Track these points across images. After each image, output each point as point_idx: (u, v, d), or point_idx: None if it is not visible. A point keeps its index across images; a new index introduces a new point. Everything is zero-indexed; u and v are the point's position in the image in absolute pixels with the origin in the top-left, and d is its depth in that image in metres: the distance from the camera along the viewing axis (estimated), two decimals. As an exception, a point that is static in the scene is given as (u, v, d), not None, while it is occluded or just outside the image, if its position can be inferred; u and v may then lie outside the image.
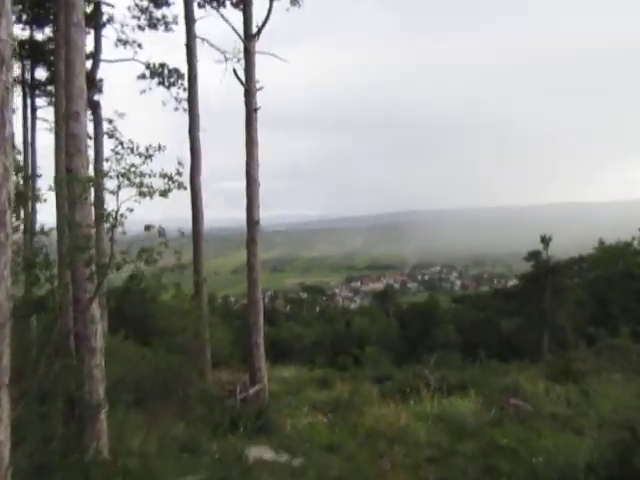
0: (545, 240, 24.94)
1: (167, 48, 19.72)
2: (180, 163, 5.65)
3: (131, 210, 5.35)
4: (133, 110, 19.18)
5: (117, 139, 17.28)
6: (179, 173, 5.57)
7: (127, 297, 28.70)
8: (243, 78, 12.70)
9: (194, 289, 13.39)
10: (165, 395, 8.37)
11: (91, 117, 16.03)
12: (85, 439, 5.72)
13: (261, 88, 12.63)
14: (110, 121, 17.90)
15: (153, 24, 17.10)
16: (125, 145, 5.60)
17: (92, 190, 6.15)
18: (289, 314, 59.80)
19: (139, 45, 17.32)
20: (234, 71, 12.96)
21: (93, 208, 6.13)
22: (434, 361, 15.06)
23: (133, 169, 5.35)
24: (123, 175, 5.35)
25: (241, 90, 12.64)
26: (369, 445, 7.84)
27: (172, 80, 17.43)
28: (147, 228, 5.45)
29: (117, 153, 5.54)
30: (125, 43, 17.27)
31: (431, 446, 7.52)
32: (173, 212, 13.64)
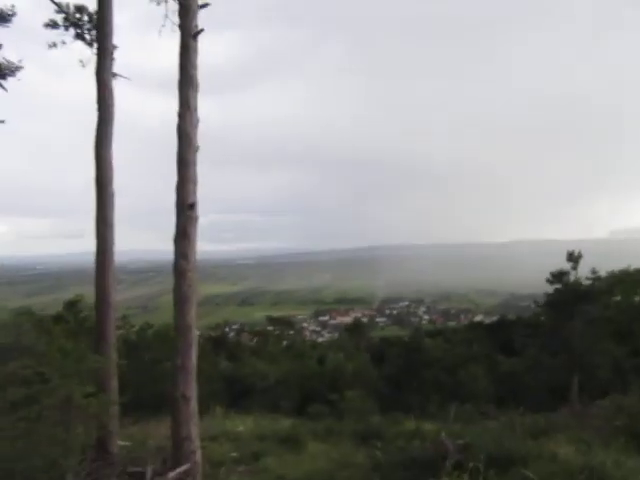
0: (573, 258, 20.73)
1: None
2: None
3: None
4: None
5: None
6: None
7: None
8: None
9: (95, 312, 8.71)
10: None
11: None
12: None
13: (206, 5, 8.39)
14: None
15: None
16: None
17: None
18: (254, 348, 54.56)
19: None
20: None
21: None
22: (453, 415, 10.52)
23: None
24: None
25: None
26: None
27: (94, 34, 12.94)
28: None
29: None
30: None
31: None
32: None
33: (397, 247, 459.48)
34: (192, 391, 7.52)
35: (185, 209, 7.62)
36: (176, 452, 7.54)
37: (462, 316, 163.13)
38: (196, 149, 7.99)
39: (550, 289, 23.11)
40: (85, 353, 7.25)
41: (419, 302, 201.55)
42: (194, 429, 7.58)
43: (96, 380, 7.48)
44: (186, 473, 7.32)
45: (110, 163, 9.02)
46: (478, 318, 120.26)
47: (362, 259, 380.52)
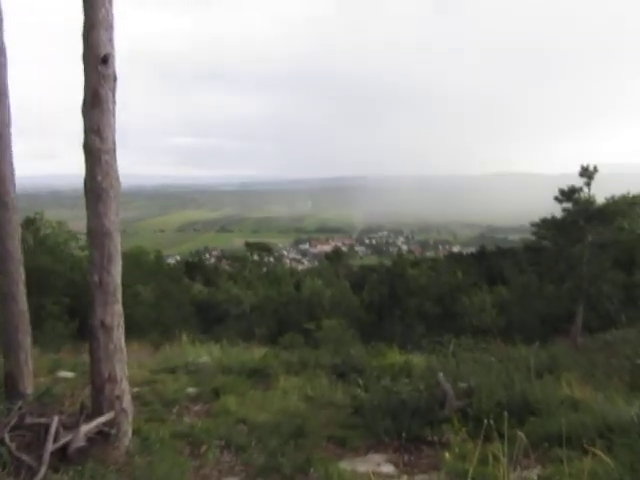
0: (587, 173, 18.66)
1: None
2: None
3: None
4: None
5: None
6: None
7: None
8: None
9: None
10: None
11: None
12: None
13: None
14: None
15: None
16: None
17: None
18: (231, 274, 53.05)
19: None
20: None
21: None
22: (451, 349, 8.86)
23: None
24: None
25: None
26: None
27: None
28: None
29: None
30: None
31: None
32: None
33: (381, 178, 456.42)
34: (114, 317, 5.53)
35: (96, 64, 5.29)
36: (97, 397, 5.66)
37: (440, 247, 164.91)
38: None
39: (531, 219, 21.49)
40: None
41: (398, 232, 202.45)
42: (120, 367, 5.66)
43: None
44: (107, 424, 5.47)
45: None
46: (456, 249, 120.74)
47: (344, 188, 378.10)
